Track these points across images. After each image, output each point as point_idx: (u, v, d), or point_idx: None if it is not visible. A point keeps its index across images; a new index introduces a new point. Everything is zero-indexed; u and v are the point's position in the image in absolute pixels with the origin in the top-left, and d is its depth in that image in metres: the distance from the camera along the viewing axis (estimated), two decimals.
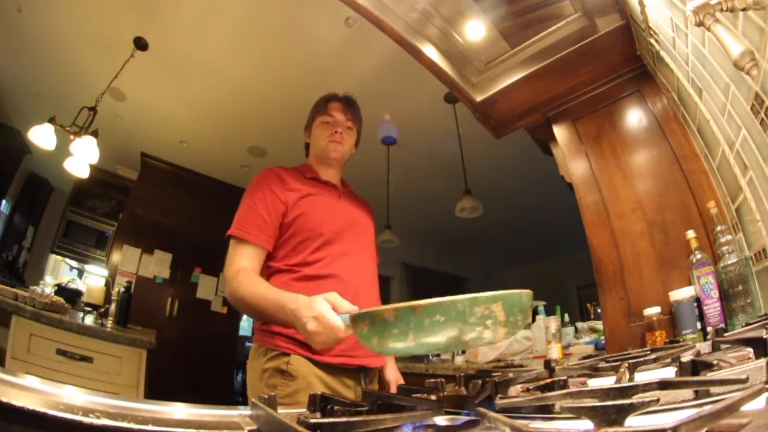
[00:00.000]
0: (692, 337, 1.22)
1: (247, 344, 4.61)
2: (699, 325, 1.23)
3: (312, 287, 1.07)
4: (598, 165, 1.70)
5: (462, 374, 0.69)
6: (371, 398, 0.54)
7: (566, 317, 2.19)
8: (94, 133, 2.77)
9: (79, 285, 3.58)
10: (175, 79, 3.07)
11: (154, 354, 2.38)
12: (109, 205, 4.51)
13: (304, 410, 0.52)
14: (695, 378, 0.45)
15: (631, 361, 0.57)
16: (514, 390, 0.62)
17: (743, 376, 0.35)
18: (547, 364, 0.70)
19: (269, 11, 2.47)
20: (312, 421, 0.36)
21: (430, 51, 1.72)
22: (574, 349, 1.92)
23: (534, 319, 2.15)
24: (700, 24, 0.66)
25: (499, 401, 0.52)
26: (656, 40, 1.32)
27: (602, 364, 0.65)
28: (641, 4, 1.26)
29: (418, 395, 0.61)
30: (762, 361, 0.42)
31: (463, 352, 2.31)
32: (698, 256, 1.28)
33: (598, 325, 2.10)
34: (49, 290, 2.71)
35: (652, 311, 1.35)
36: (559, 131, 1.86)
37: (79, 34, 2.68)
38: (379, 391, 1.00)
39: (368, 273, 1.26)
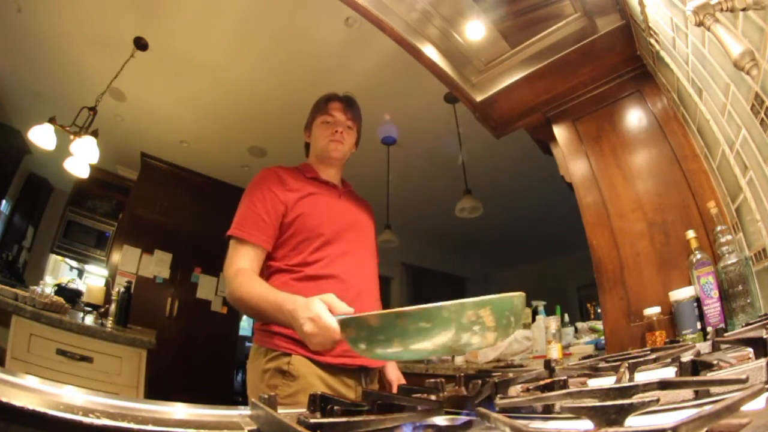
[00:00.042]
0: (692, 337, 1.22)
1: (247, 344, 4.61)
2: (699, 325, 1.23)
3: (312, 287, 1.08)
4: (598, 165, 1.70)
5: (462, 374, 0.69)
6: (371, 398, 0.54)
7: (566, 317, 2.19)
8: (94, 133, 2.77)
9: (79, 285, 3.58)
10: (175, 79, 3.07)
11: (154, 354, 2.38)
12: (109, 205, 4.51)
13: (304, 410, 0.52)
14: (695, 378, 0.45)
15: (631, 361, 0.56)
16: (514, 390, 0.62)
17: (743, 376, 0.35)
18: (547, 364, 0.70)
19: (269, 11, 2.47)
20: (312, 421, 0.36)
21: (430, 51, 1.72)
22: (574, 349, 1.92)
23: (534, 319, 2.15)
24: (700, 24, 0.66)
25: (499, 401, 0.52)
26: (656, 40, 1.32)
27: (602, 364, 0.65)
28: (641, 4, 1.26)
29: (418, 395, 0.61)
30: (762, 361, 0.42)
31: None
32: (698, 256, 1.28)
33: (598, 325, 2.10)
34: (49, 290, 2.71)
35: (652, 311, 1.35)
36: (559, 131, 1.86)
37: (79, 34, 2.68)
38: (380, 391, 1.00)
39: (368, 273, 1.26)
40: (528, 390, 0.61)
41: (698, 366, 0.47)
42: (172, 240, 4.04)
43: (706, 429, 0.24)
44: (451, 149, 3.36)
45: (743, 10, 0.63)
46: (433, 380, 0.64)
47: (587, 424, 0.29)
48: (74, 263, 4.53)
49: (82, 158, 2.80)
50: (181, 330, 3.81)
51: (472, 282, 7.01)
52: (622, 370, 0.51)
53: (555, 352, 1.73)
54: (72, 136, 2.72)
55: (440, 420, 0.48)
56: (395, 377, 1.28)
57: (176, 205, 4.15)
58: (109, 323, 2.60)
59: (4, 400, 0.28)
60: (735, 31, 0.67)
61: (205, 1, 2.43)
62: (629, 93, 1.69)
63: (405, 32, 1.63)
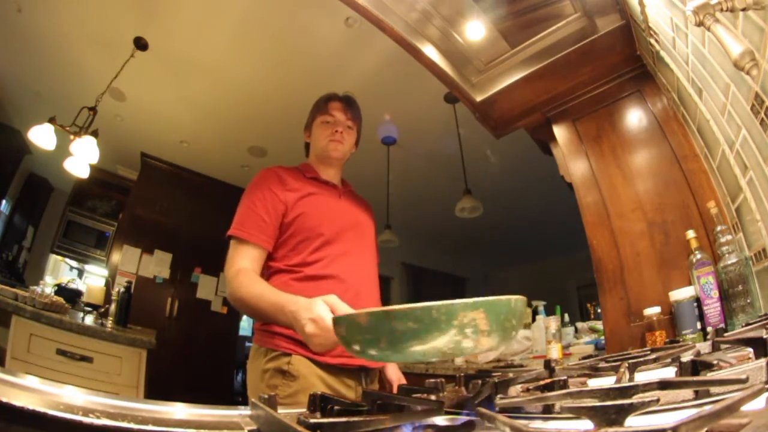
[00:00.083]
0: (692, 337, 1.22)
1: (247, 344, 4.61)
2: (699, 325, 1.23)
3: (312, 287, 1.08)
4: (598, 165, 1.70)
5: (462, 374, 0.69)
6: (371, 398, 0.54)
7: (566, 317, 2.19)
8: (94, 133, 2.77)
9: (79, 285, 3.59)
10: (175, 79, 3.07)
11: (154, 354, 2.38)
12: (109, 205, 4.51)
13: (304, 410, 0.52)
14: (695, 378, 0.45)
15: (631, 361, 0.56)
16: (514, 390, 0.62)
17: (743, 376, 0.35)
18: (547, 364, 0.70)
19: (269, 11, 2.47)
20: (312, 421, 0.36)
21: (430, 51, 1.72)
22: (574, 349, 1.92)
23: (534, 319, 2.15)
24: (700, 24, 0.66)
25: (499, 401, 0.52)
26: (656, 40, 1.32)
27: (602, 364, 0.65)
28: (641, 4, 1.26)
29: (418, 395, 0.61)
30: (762, 361, 0.42)
31: None
32: (698, 256, 1.28)
33: (598, 325, 2.09)
34: (49, 290, 2.71)
35: (652, 311, 1.35)
36: (559, 131, 1.86)
37: (79, 34, 2.68)
38: (380, 391, 1.00)
39: (368, 273, 1.26)
40: (528, 390, 0.61)
41: (698, 366, 0.47)
42: (172, 240, 4.04)
43: (706, 429, 0.24)
44: (451, 149, 3.36)
45: (743, 10, 0.63)
46: (433, 380, 0.64)
47: (587, 424, 0.29)
48: (74, 263, 4.53)
49: (82, 158, 2.80)
50: (181, 330, 3.81)
51: (472, 282, 7.01)
52: (622, 370, 0.51)
53: (555, 352, 1.73)
54: (72, 136, 2.72)
55: (440, 420, 0.48)
56: (396, 377, 1.28)
57: (176, 205, 4.15)
58: (109, 323, 2.60)
59: (4, 400, 0.28)
60: (735, 31, 0.67)
61: (205, 1, 2.43)
62: (629, 93, 1.69)
63: (405, 32, 1.63)
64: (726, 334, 0.65)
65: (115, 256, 3.85)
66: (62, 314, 2.09)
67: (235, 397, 4.14)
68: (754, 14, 0.73)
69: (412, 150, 3.77)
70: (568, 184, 1.82)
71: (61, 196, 4.49)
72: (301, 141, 1.41)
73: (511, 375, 0.66)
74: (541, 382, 0.56)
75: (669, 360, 0.59)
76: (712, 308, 1.20)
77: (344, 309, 0.78)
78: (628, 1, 1.42)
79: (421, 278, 6.28)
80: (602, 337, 1.82)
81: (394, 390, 1.15)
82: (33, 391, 0.38)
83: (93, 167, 2.97)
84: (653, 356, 0.60)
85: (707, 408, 0.25)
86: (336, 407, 0.47)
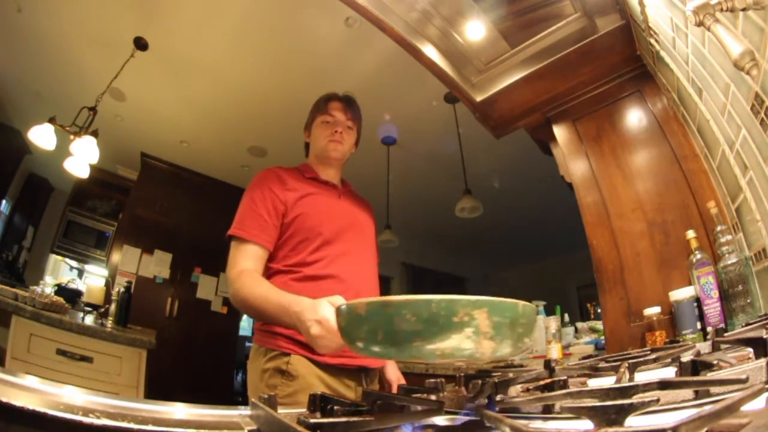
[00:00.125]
0: (692, 337, 1.22)
1: (247, 344, 4.61)
2: (699, 325, 1.23)
3: (312, 287, 1.07)
4: (598, 165, 1.70)
5: (462, 374, 0.69)
6: (371, 398, 0.54)
7: (566, 317, 2.19)
8: (94, 133, 2.77)
9: (79, 285, 3.59)
10: (175, 79, 3.07)
11: (154, 354, 2.38)
12: (109, 205, 4.51)
13: (304, 410, 0.52)
14: (695, 378, 0.45)
15: (631, 361, 0.56)
16: (514, 390, 0.62)
17: (743, 376, 0.35)
18: (547, 364, 0.70)
19: (269, 11, 2.47)
20: (312, 421, 0.36)
21: (430, 51, 1.72)
22: (574, 349, 1.92)
23: None
24: (700, 24, 0.66)
25: (499, 401, 0.52)
26: (656, 40, 1.32)
27: (602, 364, 0.65)
28: (641, 4, 1.26)
29: (418, 395, 0.61)
30: (762, 361, 0.42)
31: None
32: (698, 256, 1.28)
33: (598, 325, 2.09)
34: (49, 290, 2.72)
35: (652, 311, 1.35)
36: (559, 131, 1.86)
37: (79, 34, 2.68)
38: (380, 391, 1.00)
39: (368, 273, 1.26)
40: (528, 390, 0.61)
41: (698, 366, 0.47)
42: (172, 240, 4.04)
43: (706, 429, 0.24)
44: (451, 149, 3.36)
45: (743, 10, 0.63)
46: (433, 380, 0.64)
47: (587, 424, 0.29)
48: (74, 263, 4.53)
49: (82, 158, 2.80)
50: (181, 330, 3.80)
51: (472, 282, 7.00)
52: (622, 370, 0.51)
53: (555, 352, 1.73)
54: (72, 136, 2.72)
55: (440, 420, 0.48)
56: (395, 377, 1.27)
57: (176, 205, 4.15)
58: (109, 323, 2.60)
59: (4, 400, 0.28)
60: (735, 31, 0.67)
61: (205, 1, 2.43)
62: (629, 93, 1.69)
63: (405, 32, 1.63)
64: (726, 334, 0.65)
65: (115, 256, 3.85)
66: (62, 314, 2.09)
67: (235, 397, 4.14)
68: (754, 14, 0.73)
69: (412, 150, 3.77)
70: (568, 184, 1.82)
71: (61, 196, 4.49)
72: (301, 141, 1.41)
73: (511, 375, 0.66)
74: (541, 382, 0.56)
75: (669, 360, 0.59)
76: (712, 308, 1.20)
77: None
78: (628, 1, 1.42)
79: (421, 278, 6.28)
80: (602, 337, 1.82)
81: (394, 390, 1.15)
82: (33, 391, 0.38)
83: (93, 167, 2.97)
84: (653, 356, 0.60)
85: (707, 408, 0.25)
86: (336, 407, 0.47)
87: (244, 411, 0.48)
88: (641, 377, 0.54)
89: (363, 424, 0.37)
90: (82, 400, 0.38)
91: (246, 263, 1.09)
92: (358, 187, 1.43)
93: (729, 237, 1.20)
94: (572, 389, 0.51)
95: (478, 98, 1.93)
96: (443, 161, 3.67)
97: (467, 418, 0.49)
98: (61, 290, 2.97)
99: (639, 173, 1.59)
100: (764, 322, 0.72)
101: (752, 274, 1.11)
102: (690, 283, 1.30)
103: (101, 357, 2.12)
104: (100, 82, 2.79)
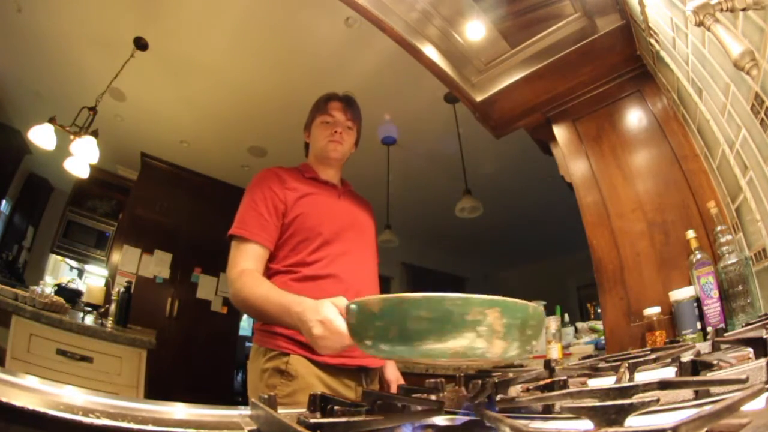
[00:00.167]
0: (692, 337, 1.22)
1: (247, 344, 4.61)
2: (699, 325, 1.23)
3: (312, 287, 1.07)
4: (598, 165, 1.70)
5: (462, 374, 0.69)
6: (371, 398, 0.54)
7: (566, 317, 2.19)
8: (94, 133, 2.77)
9: (79, 285, 3.59)
10: (175, 79, 3.07)
11: (154, 354, 2.38)
12: (109, 205, 4.51)
13: (304, 410, 0.52)
14: (695, 378, 0.45)
15: (631, 361, 0.56)
16: (514, 390, 0.62)
17: (743, 376, 0.35)
18: (547, 364, 0.70)
19: (269, 11, 2.47)
20: (312, 421, 0.36)
21: (430, 51, 1.72)
22: (574, 349, 1.92)
23: None
24: (700, 24, 0.66)
25: (499, 401, 0.52)
26: (656, 40, 1.32)
27: (602, 364, 0.65)
28: (641, 4, 1.26)
29: (418, 395, 0.61)
30: (762, 361, 0.42)
31: None
32: (698, 256, 1.28)
33: (598, 325, 2.09)
34: (49, 290, 2.72)
35: (652, 311, 1.35)
36: (559, 131, 1.86)
37: (79, 34, 2.68)
38: (380, 391, 1.00)
39: (368, 273, 1.26)
40: (528, 390, 0.61)
41: (698, 366, 0.47)
42: (172, 240, 4.04)
43: (706, 429, 0.24)
44: (451, 149, 3.36)
45: (743, 10, 0.63)
46: (432, 380, 0.64)
47: (587, 424, 0.29)
48: (74, 263, 4.53)
49: (82, 158, 2.80)
50: (181, 330, 3.81)
51: (472, 282, 7.00)
52: (622, 370, 0.51)
53: (555, 352, 1.73)
54: (72, 136, 2.72)
55: (440, 420, 0.48)
56: (394, 377, 1.27)
57: (176, 205, 4.15)
58: (109, 323, 2.60)
59: (4, 400, 0.28)
60: (735, 31, 0.67)
61: (205, 1, 2.43)
62: (629, 93, 1.69)
63: (405, 32, 1.63)
64: (726, 334, 0.65)
65: (115, 256, 3.85)
66: (62, 314, 2.09)
67: (235, 397, 4.14)
68: (754, 14, 0.73)
69: (412, 150, 3.77)
70: (568, 184, 1.82)
71: (61, 196, 4.49)
72: (301, 141, 1.41)
73: (511, 375, 0.66)
74: (541, 382, 0.56)
75: (669, 360, 0.59)
76: (712, 308, 1.20)
77: None
78: (628, 1, 1.42)
79: (421, 278, 6.28)
80: (602, 337, 1.82)
81: (393, 390, 1.15)
82: (33, 391, 0.38)
83: (93, 167, 2.97)
84: (653, 356, 0.60)
85: (707, 408, 0.25)
86: (336, 407, 0.47)
87: (244, 411, 0.48)
88: (641, 377, 0.54)
89: (363, 424, 0.37)
90: (82, 400, 0.39)
91: (247, 263, 1.08)
92: (358, 187, 1.43)
93: (729, 237, 1.20)
94: (572, 389, 0.51)
95: (478, 98, 1.93)
96: (443, 161, 3.67)
97: (467, 418, 0.49)
98: (61, 290, 2.97)
99: (639, 173, 1.59)
100: (764, 322, 0.72)
101: (752, 274, 1.11)
102: (690, 283, 1.30)
103: (101, 357, 2.12)
104: (100, 82, 2.79)
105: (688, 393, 0.42)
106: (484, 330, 0.42)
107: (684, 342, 1.00)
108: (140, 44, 2.69)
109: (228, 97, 3.22)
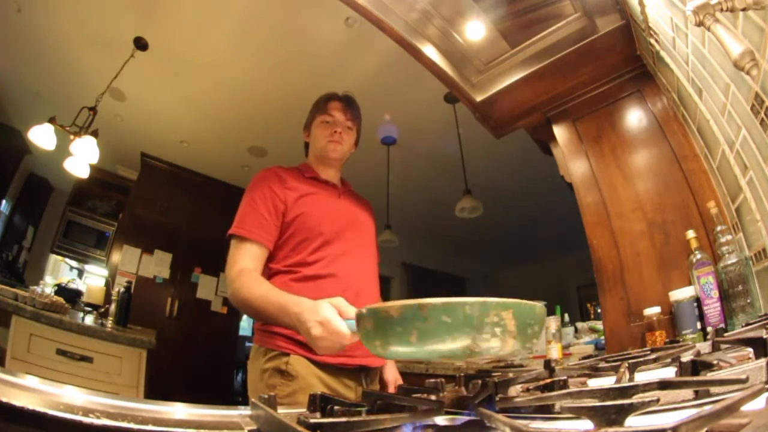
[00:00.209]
0: (692, 337, 1.22)
1: (247, 344, 4.61)
2: (699, 325, 1.23)
3: (312, 287, 1.07)
4: (598, 165, 1.70)
5: (462, 374, 0.69)
6: (371, 398, 0.54)
7: (566, 317, 2.19)
8: (94, 133, 2.77)
9: (79, 285, 3.59)
10: (175, 79, 3.07)
11: (154, 354, 2.38)
12: (109, 205, 4.51)
13: (304, 410, 0.52)
14: (695, 378, 0.45)
15: (631, 361, 0.57)
16: (514, 390, 0.62)
17: (743, 376, 0.35)
18: (547, 364, 0.70)
19: (269, 11, 2.47)
20: (312, 421, 0.36)
21: (430, 51, 1.72)
22: (574, 349, 1.92)
23: None
24: (700, 24, 0.66)
25: (499, 401, 0.52)
26: (656, 40, 1.32)
27: (602, 364, 0.65)
28: (641, 4, 1.26)
29: (418, 395, 0.61)
30: (762, 361, 0.42)
31: None
32: (698, 256, 1.28)
33: (598, 325, 2.09)
34: (49, 290, 2.72)
35: (652, 311, 1.35)
36: (559, 131, 1.86)
37: (79, 34, 2.68)
38: (379, 391, 1.00)
39: (368, 272, 1.26)
40: (528, 390, 0.61)
41: (698, 366, 0.47)
42: (172, 240, 4.04)
43: (706, 429, 0.24)
44: (451, 149, 3.36)
45: (743, 10, 0.63)
46: (432, 380, 0.64)
47: (587, 424, 0.29)
48: (74, 263, 4.53)
49: (82, 158, 2.80)
50: (181, 330, 3.81)
51: (472, 282, 7.01)
52: (622, 370, 0.51)
53: (555, 352, 1.73)
54: (72, 136, 2.72)
55: (440, 420, 0.48)
56: (393, 378, 1.27)
57: (176, 205, 4.15)
58: (109, 323, 2.60)
59: (4, 400, 0.28)
60: (735, 31, 0.67)
61: (205, 1, 2.43)
62: (629, 93, 1.69)
63: (405, 32, 1.63)
64: (726, 334, 0.65)
65: (115, 256, 3.85)
66: (62, 314, 2.09)
67: (235, 397, 4.14)
68: (754, 14, 0.73)
69: (412, 150, 3.77)
70: (568, 184, 1.82)
71: (61, 196, 4.49)
72: (300, 141, 1.41)
73: (511, 375, 0.66)
74: (541, 382, 0.56)
75: (669, 360, 0.59)
76: (712, 308, 1.20)
77: (352, 311, 0.76)
78: (628, 1, 1.42)
79: (421, 278, 6.28)
80: (602, 337, 1.82)
81: (391, 390, 1.15)
82: (33, 391, 0.38)
83: (93, 167, 2.97)
84: (653, 356, 0.60)
85: (707, 408, 0.25)
86: (336, 407, 0.47)
87: (244, 411, 0.48)
88: (641, 377, 0.54)
89: (363, 424, 0.37)
90: (82, 400, 0.39)
91: (245, 262, 1.08)
92: (358, 187, 1.43)
93: (729, 237, 1.20)
94: (572, 389, 0.51)
95: (478, 98, 1.93)
96: (443, 161, 3.67)
97: (467, 418, 0.49)
98: (61, 290, 2.97)
99: (639, 173, 1.59)
100: (764, 322, 0.72)
101: (752, 274, 1.11)
102: (690, 283, 1.30)
103: (101, 357, 2.12)
104: (100, 82, 2.79)
105: (688, 393, 0.42)
106: (499, 330, 0.46)
107: (684, 342, 1.00)
108: (140, 44, 2.69)
109: (228, 97, 3.22)
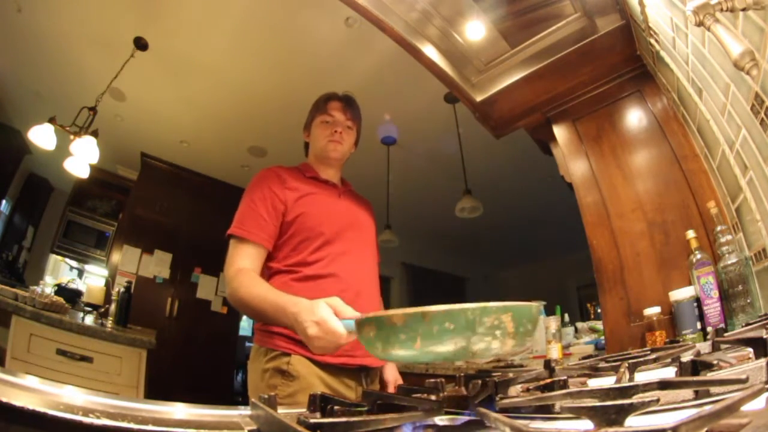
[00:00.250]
0: (692, 337, 1.22)
1: (247, 344, 4.61)
2: (699, 325, 1.23)
3: (312, 287, 1.08)
4: (598, 165, 1.70)
5: (462, 374, 0.69)
6: (371, 398, 0.54)
7: (566, 317, 2.19)
8: (94, 133, 2.77)
9: (79, 285, 3.59)
10: (175, 79, 3.07)
11: (154, 354, 2.38)
12: (109, 205, 4.51)
13: (304, 410, 0.52)
14: (695, 378, 0.45)
15: (631, 361, 0.57)
16: (514, 390, 0.62)
17: (743, 376, 0.35)
18: (547, 364, 0.70)
19: (269, 11, 2.47)
20: (312, 421, 0.35)
21: (430, 51, 1.72)
22: (574, 349, 1.92)
23: None
24: (700, 24, 0.66)
25: (499, 401, 0.52)
26: (656, 40, 1.32)
27: (602, 364, 0.65)
28: (641, 4, 1.26)
29: (418, 395, 0.61)
30: (762, 361, 0.42)
31: None
32: (698, 256, 1.28)
33: (598, 325, 2.09)
34: (49, 290, 2.72)
35: (652, 311, 1.35)
36: (559, 131, 1.86)
37: (79, 34, 2.68)
38: (379, 391, 1.00)
39: (368, 272, 1.26)
40: (528, 390, 0.61)
41: (698, 366, 0.47)
42: (172, 240, 4.04)
43: (706, 429, 0.24)
44: (451, 149, 3.36)
45: (743, 10, 0.63)
46: (433, 380, 0.64)
47: (587, 424, 0.29)
48: (74, 263, 4.53)
49: (82, 158, 2.80)
50: (181, 330, 3.81)
51: (472, 282, 7.01)
52: (622, 370, 0.51)
53: (555, 352, 1.73)
54: (72, 136, 2.72)
55: (440, 420, 0.48)
56: (392, 378, 1.27)
57: (176, 205, 4.15)
58: (109, 323, 2.60)
59: (4, 400, 0.28)
60: (735, 31, 0.67)
61: (205, 1, 2.43)
62: (629, 93, 1.69)
63: (405, 32, 1.63)
64: (726, 334, 0.65)
65: (115, 256, 3.85)
66: (62, 314, 2.09)
67: (235, 397, 4.14)
68: (754, 14, 0.73)
69: (412, 150, 3.77)
70: (568, 184, 1.82)
71: (61, 196, 4.49)
72: (300, 141, 1.41)
73: (511, 375, 0.66)
74: (541, 382, 0.56)
75: (669, 360, 0.59)
76: (712, 308, 1.20)
77: (349, 312, 0.76)
78: (628, 1, 1.42)
79: (421, 278, 6.28)
80: (602, 337, 1.82)
81: (391, 390, 1.15)
82: (33, 391, 0.38)
83: (93, 167, 2.97)
84: (653, 356, 0.60)
85: (707, 408, 0.25)
86: (336, 407, 0.47)
87: (244, 411, 0.48)
88: (641, 377, 0.54)
89: (363, 424, 0.37)
90: (82, 400, 0.39)
91: (244, 262, 1.08)
92: (358, 187, 1.43)
93: (729, 237, 1.20)
94: (572, 389, 0.51)
95: (478, 98, 1.93)
96: (443, 161, 3.67)
97: (467, 418, 0.49)
98: (61, 290, 2.97)
99: (639, 173, 1.59)
100: (764, 322, 0.72)
101: (752, 274, 1.11)
102: (690, 283, 1.30)
103: (101, 357, 2.12)
104: (100, 82, 2.79)
105: (688, 393, 0.42)
106: (499, 333, 0.49)
107: (684, 342, 1.00)
108: (140, 44, 2.69)
109: (228, 97, 3.22)
